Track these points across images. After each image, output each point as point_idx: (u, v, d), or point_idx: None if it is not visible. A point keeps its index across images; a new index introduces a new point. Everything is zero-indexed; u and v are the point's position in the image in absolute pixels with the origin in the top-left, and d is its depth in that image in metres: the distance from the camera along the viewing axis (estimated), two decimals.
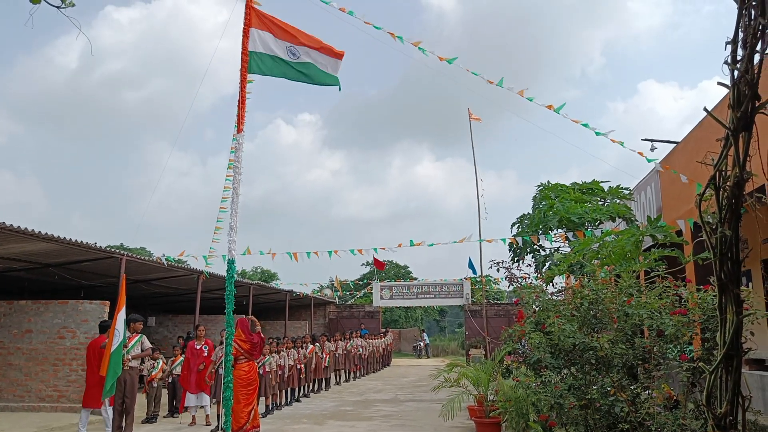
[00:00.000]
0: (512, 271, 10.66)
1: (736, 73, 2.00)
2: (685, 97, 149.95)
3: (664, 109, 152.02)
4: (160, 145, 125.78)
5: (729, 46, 2.02)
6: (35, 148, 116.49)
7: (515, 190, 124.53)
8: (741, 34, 2.01)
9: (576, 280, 12.77)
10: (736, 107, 1.97)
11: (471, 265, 29.73)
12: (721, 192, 2.00)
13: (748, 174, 1.95)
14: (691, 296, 5.60)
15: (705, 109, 2.07)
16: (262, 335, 11.36)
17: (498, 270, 10.76)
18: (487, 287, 34.04)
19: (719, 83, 2.05)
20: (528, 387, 6.13)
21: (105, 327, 10.57)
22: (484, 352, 29.42)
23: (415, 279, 53.19)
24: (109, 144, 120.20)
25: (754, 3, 2.00)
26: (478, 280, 31.29)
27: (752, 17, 1.99)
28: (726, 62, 2.01)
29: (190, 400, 12.32)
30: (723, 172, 1.99)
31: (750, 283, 12.87)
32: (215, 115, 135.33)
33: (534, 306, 7.01)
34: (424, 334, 47.99)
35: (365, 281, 49.79)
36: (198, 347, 12.68)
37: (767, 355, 9.84)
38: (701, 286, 5.84)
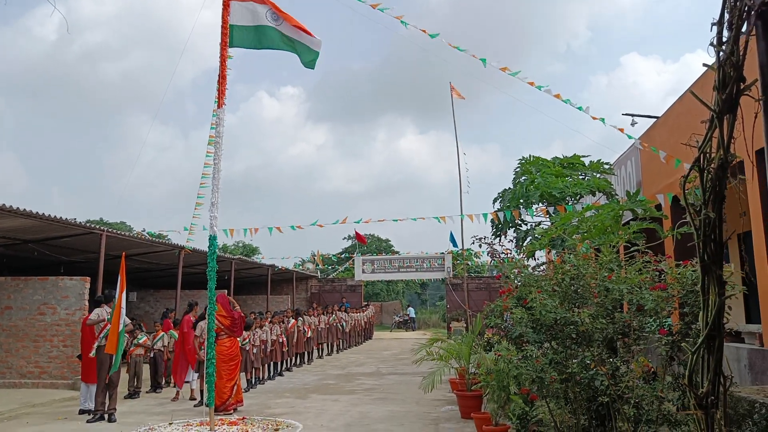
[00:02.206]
0: (494, 246, 10.70)
1: (721, 54, 2.00)
2: (668, 71, 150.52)
3: (647, 82, 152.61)
4: (141, 119, 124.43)
5: (714, 27, 2.02)
6: (13, 123, 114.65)
7: (498, 164, 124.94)
8: (727, 15, 2.01)
9: (557, 255, 12.88)
10: (722, 89, 1.98)
11: (452, 239, 29.92)
12: (705, 174, 2.00)
13: (732, 156, 1.96)
14: (670, 271, 5.66)
15: (692, 92, 2.07)
16: (242, 314, 11.36)
17: (480, 246, 10.79)
18: (468, 261, 34.26)
19: (704, 65, 2.05)
20: (510, 362, 6.19)
21: (98, 302, 10.56)
22: (465, 325, 29.70)
23: (397, 253, 53.43)
24: (88, 118, 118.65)
25: None
26: (460, 253, 31.49)
27: None
28: (711, 44, 2.00)
29: (190, 374, 12.35)
30: (707, 154, 2.00)
31: (728, 257, 13.07)
32: (197, 88, 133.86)
33: (516, 281, 7.05)
34: (410, 308, 48.27)
35: (347, 255, 49.93)
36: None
37: (744, 327, 10.03)
38: (680, 262, 5.91)
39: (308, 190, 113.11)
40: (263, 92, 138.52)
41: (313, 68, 10.01)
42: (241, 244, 54.92)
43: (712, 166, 1.95)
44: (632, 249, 7.00)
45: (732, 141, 1.98)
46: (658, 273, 5.96)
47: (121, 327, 9.93)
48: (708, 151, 1.97)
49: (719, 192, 1.97)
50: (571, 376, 5.79)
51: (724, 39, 2.00)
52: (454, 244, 29.86)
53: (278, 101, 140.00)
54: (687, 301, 5.54)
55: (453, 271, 33.46)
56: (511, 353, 6.90)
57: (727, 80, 1.93)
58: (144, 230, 16.72)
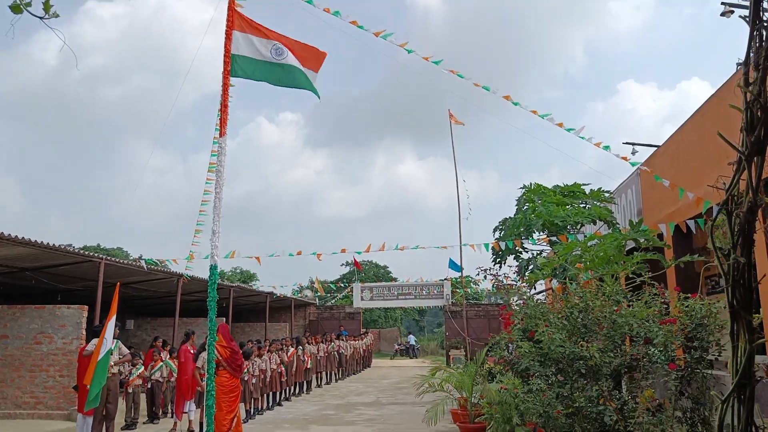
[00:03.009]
0: (497, 276, 10.64)
1: (748, 95, 1.96)
2: (664, 98, 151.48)
3: (643, 109, 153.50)
4: (140, 143, 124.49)
5: (741, 68, 1.98)
6: (11, 147, 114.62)
7: (497, 190, 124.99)
8: (752, 56, 1.97)
9: (558, 284, 12.80)
10: (750, 131, 1.93)
11: (452, 264, 29.75)
12: (733, 217, 1.96)
13: (761, 199, 1.91)
14: (680, 305, 5.59)
15: (720, 134, 2.03)
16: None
17: (485, 278, 10.74)
18: (468, 288, 34.14)
19: (731, 106, 2.01)
20: (516, 396, 6.09)
21: (96, 332, 10.35)
22: (464, 353, 29.49)
23: (395, 279, 53.23)
24: (87, 143, 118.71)
25: (766, 24, 1.96)
26: (459, 281, 31.36)
27: (764, 38, 1.96)
28: (738, 85, 1.97)
29: (187, 405, 12.19)
30: (735, 197, 1.95)
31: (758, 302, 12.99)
32: (196, 112, 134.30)
33: (521, 312, 6.99)
34: (411, 336, 48.02)
35: (345, 282, 49.76)
36: (192, 352, 12.53)
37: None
38: (688, 295, 5.84)
39: (307, 214, 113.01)
40: (263, 118, 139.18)
41: (317, 95, 9.99)
42: (238, 270, 54.70)
43: (741, 210, 1.90)
44: (636, 279, 6.95)
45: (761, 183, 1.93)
46: (665, 306, 5.90)
47: (101, 356, 9.72)
48: (736, 193, 1.92)
49: (748, 236, 1.92)
50: (579, 410, 5.70)
51: (750, 80, 1.96)
52: (457, 269, 29.71)
53: (277, 127, 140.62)
54: (696, 334, 5.47)
55: (452, 298, 33.27)
56: (517, 386, 6.82)
57: (755, 122, 1.89)
58: (141, 256, 16.59)
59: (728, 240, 1.97)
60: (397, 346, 44.63)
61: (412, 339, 46.19)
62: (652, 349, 5.56)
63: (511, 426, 7.64)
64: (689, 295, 5.80)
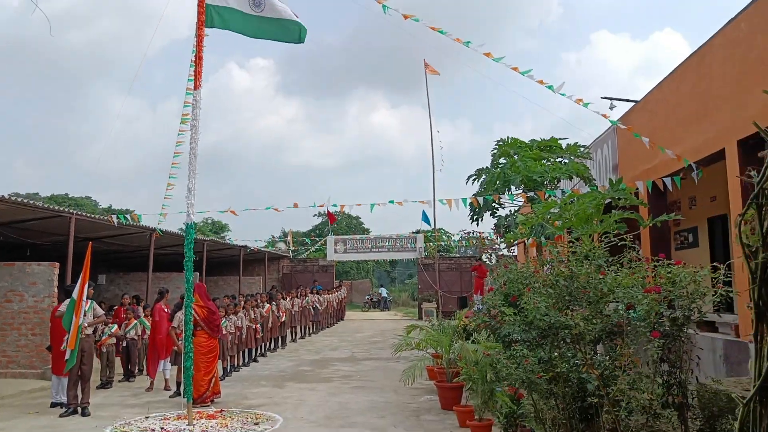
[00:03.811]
0: (471, 234, 10.57)
1: None
2: (636, 49, 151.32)
3: (616, 60, 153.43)
4: (108, 90, 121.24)
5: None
6: None
7: (469, 139, 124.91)
8: None
9: (536, 242, 12.80)
10: None
11: (425, 218, 29.80)
12: (763, 212, 1.85)
13: None
14: (663, 271, 5.57)
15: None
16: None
17: (468, 240, 10.66)
18: (441, 242, 34.29)
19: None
20: (498, 362, 6.07)
21: (68, 292, 10.12)
22: (436, 306, 29.81)
23: (368, 230, 53.27)
24: (51, 89, 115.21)
25: None
26: (432, 234, 31.46)
27: None
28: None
29: (162, 364, 12.13)
30: (766, 190, 1.84)
31: (698, 242, 13.18)
32: (165, 58, 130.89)
33: (504, 277, 6.95)
34: (382, 288, 48.33)
35: (318, 234, 49.66)
36: (166, 311, 12.39)
37: (716, 317, 10.06)
38: (671, 261, 5.82)
39: (279, 164, 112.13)
40: (233, 64, 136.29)
41: (303, 41, 9.69)
42: (210, 221, 54.32)
43: None
44: (612, 238, 6.92)
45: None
46: (651, 272, 5.88)
47: (81, 321, 9.59)
48: (767, 186, 1.82)
49: None
50: (559, 375, 5.72)
51: None
52: (428, 223, 29.77)
53: (248, 72, 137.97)
54: (679, 302, 5.47)
55: (425, 251, 33.43)
56: (498, 351, 6.80)
57: None
58: (111, 206, 16.31)
59: (757, 237, 1.87)
60: (367, 298, 44.93)
61: (383, 291, 46.53)
62: (635, 316, 5.55)
63: (491, 387, 7.69)
64: (671, 261, 5.78)
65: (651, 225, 9.95)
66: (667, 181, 10.80)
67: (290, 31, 9.68)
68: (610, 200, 10.33)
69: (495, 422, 7.64)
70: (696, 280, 5.40)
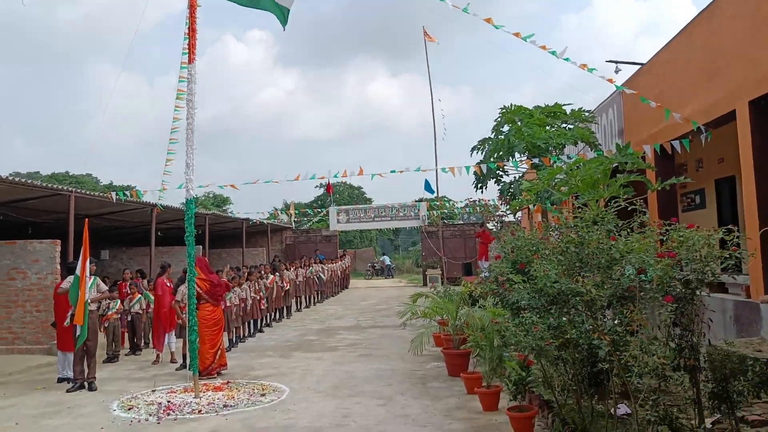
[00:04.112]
0: (475, 202, 10.45)
1: None
2: (639, 9, 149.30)
3: (617, 21, 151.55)
4: (103, 67, 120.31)
5: None
6: None
7: (471, 106, 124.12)
8: None
9: (542, 208, 12.70)
10: None
11: (428, 186, 29.62)
12: None
13: None
14: (675, 235, 5.45)
15: None
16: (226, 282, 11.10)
17: (473, 207, 10.53)
18: (444, 209, 34.15)
19: None
20: (507, 329, 5.99)
21: (71, 269, 10.07)
22: (441, 272, 29.79)
23: (369, 200, 53.17)
24: (45, 66, 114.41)
25: None
26: (436, 202, 31.31)
27: None
28: None
29: (167, 338, 12.17)
30: None
31: (706, 203, 13.07)
32: (161, 32, 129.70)
33: (512, 244, 6.84)
34: (385, 256, 48.37)
35: (321, 205, 49.56)
36: (169, 285, 12.35)
37: (726, 278, 9.97)
38: (684, 225, 5.70)
39: (279, 136, 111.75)
40: (230, 36, 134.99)
41: (284, 27, 9.41)
42: (211, 195, 54.16)
43: None
44: (620, 203, 6.81)
45: None
46: (661, 236, 5.76)
47: (86, 297, 9.58)
48: None
49: None
50: (569, 341, 5.63)
51: None
52: (431, 191, 29.61)
53: (246, 45, 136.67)
54: (693, 266, 5.36)
55: (428, 219, 33.32)
56: (507, 318, 6.71)
57: None
58: (111, 183, 16.17)
59: None
60: (369, 266, 44.95)
61: (387, 259, 46.58)
62: (646, 280, 5.44)
63: (499, 354, 7.63)
64: (683, 225, 5.66)
65: (661, 190, 9.81)
66: (675, 144, 10.63)
67: (279, 9, 9.42)
68: (616, 165, 10.19)
69: (504, 388, 7.59)
70: (710, 243, 5.29)
